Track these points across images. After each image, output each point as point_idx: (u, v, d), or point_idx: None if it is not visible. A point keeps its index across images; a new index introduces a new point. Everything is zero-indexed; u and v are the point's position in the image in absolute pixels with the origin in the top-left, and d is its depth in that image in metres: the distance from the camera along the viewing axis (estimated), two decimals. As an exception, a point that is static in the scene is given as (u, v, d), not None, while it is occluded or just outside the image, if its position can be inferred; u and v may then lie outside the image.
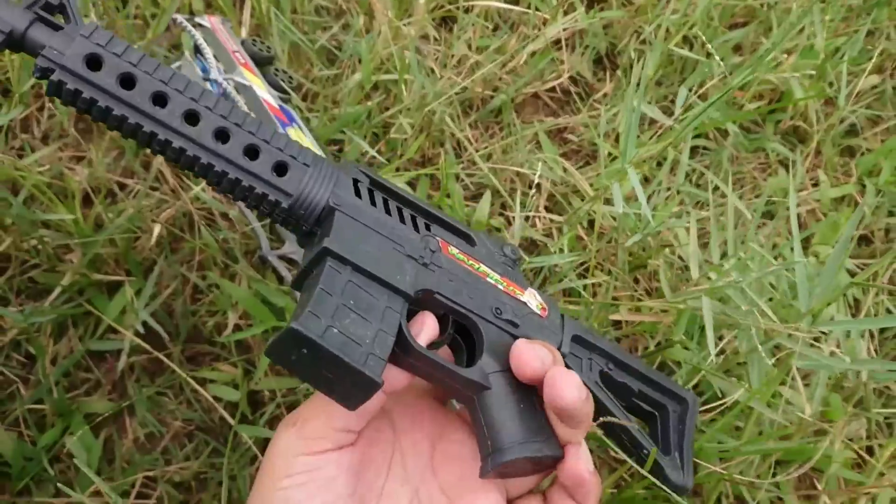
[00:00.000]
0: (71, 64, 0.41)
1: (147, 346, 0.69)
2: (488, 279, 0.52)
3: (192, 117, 0.44)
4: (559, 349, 0.52)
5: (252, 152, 0.45)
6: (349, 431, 0.45)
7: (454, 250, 0.51)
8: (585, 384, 0.47)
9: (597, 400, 0.51)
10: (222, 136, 0.44)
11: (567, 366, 0.50)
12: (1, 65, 0.79)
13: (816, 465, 0.66)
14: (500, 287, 0.52)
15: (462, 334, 0.51)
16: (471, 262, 0.52)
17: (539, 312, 0.53)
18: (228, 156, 0.44)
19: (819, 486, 0.68)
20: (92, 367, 0.70)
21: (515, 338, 0.50)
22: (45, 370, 0.67)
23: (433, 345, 0.47)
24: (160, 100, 0.43)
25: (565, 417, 0.47)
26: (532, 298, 0.54)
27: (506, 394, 0.47)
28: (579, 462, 0.46)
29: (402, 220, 0.50)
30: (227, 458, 0.66)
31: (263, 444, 0.69)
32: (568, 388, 0.45)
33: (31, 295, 0.71)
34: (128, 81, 0.42)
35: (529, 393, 0.48)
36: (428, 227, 0.52)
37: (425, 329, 0.46)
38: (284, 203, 0.45)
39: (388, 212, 0.50)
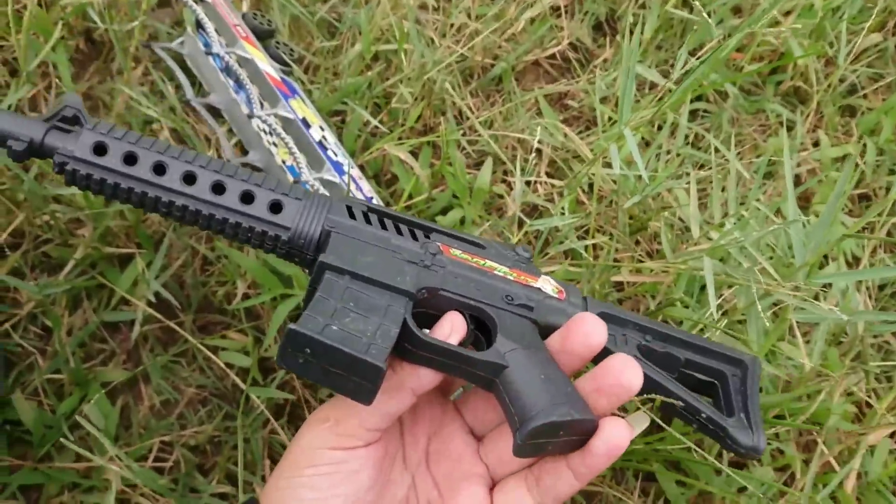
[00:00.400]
0: (81, 154, 0.47)
1: (159, 316, 0.71)
2: (496, 272, 0.53)
3: (189, 178, 0.48)
4: None
5: (248, 197, 0.49)
6: (377, 430, 0.47)
7: (457, 251, 0.52)
8: None
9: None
10: (219, 188, 0.49)
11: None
12: (9, 45, 0.81)
13: (816, 418, 0.68)
14: (510, 277, 0.53)
15: (482, 330, 0.51)
16: (475, 259, 0.53)
17: (556, 295, 0.53)
18: (227, 204, 0.48)
19: (818, 439, 0.69)
20: (107, 337, 0.72)
21: (532, 320, 0.51)
22: (61, 341, 0.68)
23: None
24: (160, 168, 0.48)
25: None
26: (546, 284, 0.54)
27: (526, 367, 0.47)
28: (623, 431, 0.45)
29: (400, 233, 0.52)
30: (240, 420, 0.68)
31: (275, 407, 0.71)
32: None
33: (45, 269, 0.73)
34: (130, 158, 0.48)
35: (552, 365, 0.48)
36: (427, 236, 0.53)
37: (455, 327, 0.47)
38: (284, 236, 0.49)
39: (384, 228, 0.52)
